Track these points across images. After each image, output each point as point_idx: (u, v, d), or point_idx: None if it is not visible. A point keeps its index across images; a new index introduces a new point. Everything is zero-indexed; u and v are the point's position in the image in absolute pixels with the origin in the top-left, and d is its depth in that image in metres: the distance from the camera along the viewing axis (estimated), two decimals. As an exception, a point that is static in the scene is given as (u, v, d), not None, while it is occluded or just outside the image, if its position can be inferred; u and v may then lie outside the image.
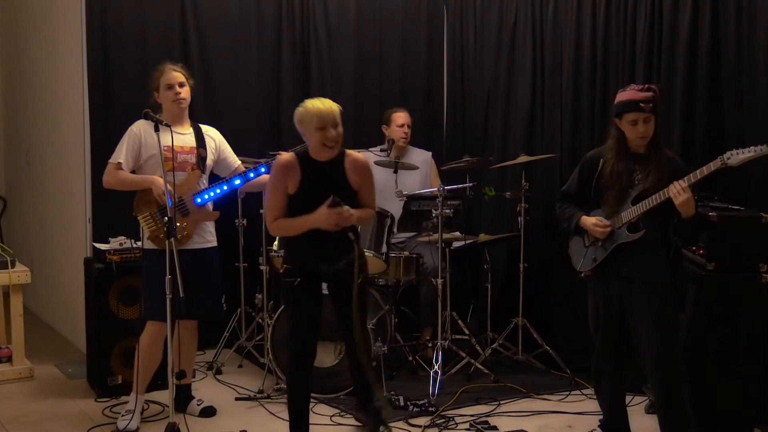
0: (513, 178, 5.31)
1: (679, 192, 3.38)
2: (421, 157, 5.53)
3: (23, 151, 6.72)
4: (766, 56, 4.07)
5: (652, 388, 3.72)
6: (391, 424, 4.09)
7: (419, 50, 6.19)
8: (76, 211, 5.32)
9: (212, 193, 4.16)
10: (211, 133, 4.34)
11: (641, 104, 3.50)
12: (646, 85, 3.56)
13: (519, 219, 5.02)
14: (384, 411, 3.96)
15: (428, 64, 6.23)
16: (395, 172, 4.99)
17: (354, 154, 3.79)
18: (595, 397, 4.04)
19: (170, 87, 4.16)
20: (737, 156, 3.31)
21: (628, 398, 4.01)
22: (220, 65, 5.57)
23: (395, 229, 5.01)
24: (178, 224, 3.96)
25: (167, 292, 3.62)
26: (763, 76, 4.08)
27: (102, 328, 4.62)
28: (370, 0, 6.01)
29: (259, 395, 4.58)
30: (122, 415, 4.15)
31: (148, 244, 4.12)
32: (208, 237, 4.25)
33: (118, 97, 5.16)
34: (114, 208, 4.84)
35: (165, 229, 3.65)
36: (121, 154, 4.10)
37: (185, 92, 4.19)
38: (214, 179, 4.27)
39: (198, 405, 4.39)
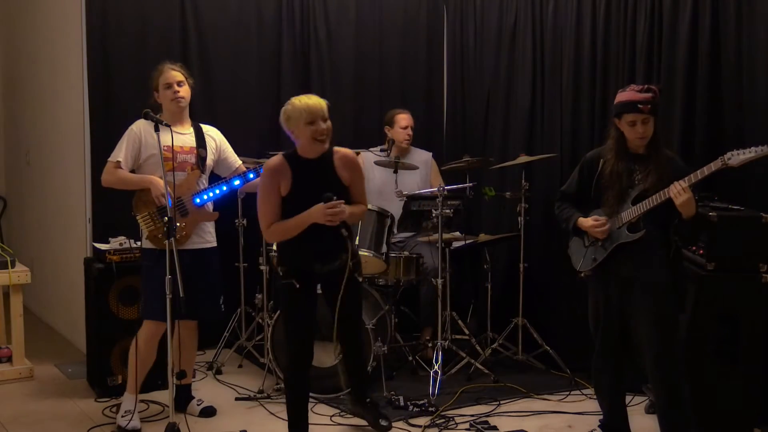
0: (513, 178, 5.31)
1: (679, 192, 3.38)
2: (421, 157, 5.53)
3: (23, 151, 6.71)
4: (766, 56, 4.07)
5: (652, 388, 3.72)
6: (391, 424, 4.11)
7: (419, 50, 6.19)
8: (76, 211, 5.32)
9: (211, 194, 4.16)
10: (212, 133, 4.33)
11: (640, 105, 3.50)
12: (646, 86, 3.56)
13: (519, 219, 5.02)
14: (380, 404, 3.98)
15: (428, 64, 6.22)
16: (395, 172, 4.99)
17: (342, 150, 3.79)
18: (595, 397, 4.04)
19: (169, 86, 4.16)
20: (738, 156, 3.31)
21: (628, 398, 4.01)
22: (220, 65, 5.57)
23: (395, 229, 5.01)
24: (177, 224, 3.96)
25: (167, 292, 3.61)
26: (763, 76, 4.08)
27: (102, 328, 4.62)
28: (370, 0, 6.01)
29: (259, 395, 4.58)
30: (121, 416, 4.15)
31: (147, 244, 4.12)
32: (207, 237, 4.25)
33: (118, 97, 5.16)
34: (114, 208, 4.84)
35: (164, 229, 3.65)
36: (121, 152, 4.10)
37: (184, 91, 4.18)
38: (215, 179, 4.27)
39: (198, 405, 4.39)
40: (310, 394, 4.01)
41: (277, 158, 3.72)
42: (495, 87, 5.75)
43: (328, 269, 3.71)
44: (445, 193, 4.75)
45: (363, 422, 4.15)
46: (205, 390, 4.68)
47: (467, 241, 5.16)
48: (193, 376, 4.63)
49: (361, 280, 3.90)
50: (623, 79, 4.73)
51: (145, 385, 4.32)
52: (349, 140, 5.71)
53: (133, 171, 4.15)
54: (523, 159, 5.03)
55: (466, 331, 5.19)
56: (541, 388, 4.73)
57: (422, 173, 5.45)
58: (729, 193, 4.13)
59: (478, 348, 5.07)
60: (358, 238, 4.70)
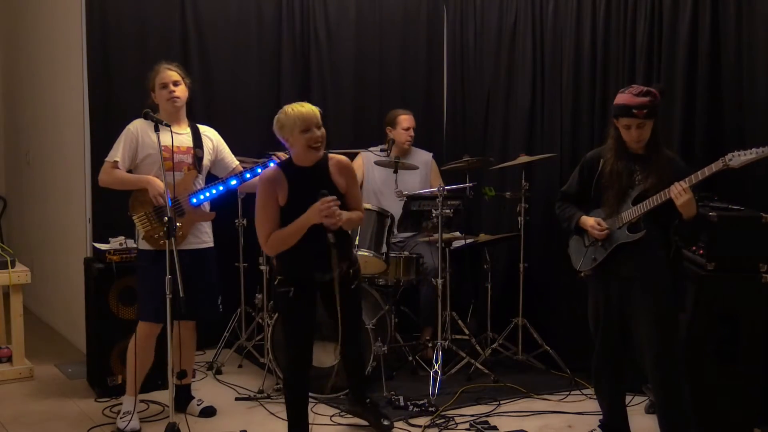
0: (513, 178, 5.31)
1: (680, 193, 3.38)
2: (422, 157, 5.53)
3: (23, 151, 6.71)
4: (766, 56, 4.07)
5: (652, 388, 3.72)
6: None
7: (419, 50, 6.19)
8: (76, 211, 5.32)
9: (208, 194, 4.15)
10: (208, 133, 4.33)
11: (634, 110, 3.49)
12: (645, 89, 3.53)
13: (519, 219, 5.02)
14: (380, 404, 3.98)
15: (428, 64, 6.22)
16: (395, 172, 4.99)
17: (336, 156, 3.80)
18: (595, 397, 4.04)
19: (164, 86, 4.15)
20: (739, 158, 3.31)
21: (628, 398, 4.01)
22: (220, 65, 5.57)
23: (395, 229, 5.01)
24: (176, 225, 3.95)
25: (168, 292, 3.61)
26: (763, 76, 4.08)
27: (102, 328, 4.62)
28: (370, 0, 6.01)
29: (259, 395, 4.58)
30: (120, 417, 4.15)
31: (143, 245, 4.11)
32: (204, 237, 4.24)
33: (118, 97, 5.16)
34: (114, 208, 4.83)
35: (164, 228, 3.64)
36: (118, 152, 4.10)
37: (180, 91, 4.18)
38: (212, 180, 4.27)
39: (198, 405, 4.39)
40: (310, 394, 4.01)
41: (272, 169, 3.71)
42: (495, 87, 5.74)
43: (327, 278, 3.70)
44: (445, 193, 4.75)
45: (363, 422, 4.16)
46: (205, 390, 4.68)
47: (467, 241, 5.15)
48: (193, 376, 4.63)
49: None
50: (623, 79, 4.73)
51: (145, 385, 4.32)
52: (349, 140, 5.73)
53: (130, 171, 4.14)
54: (523, 159, 5.03)
55: (466, 331, 5.19)
56: (541, 388, 4.73)
57: (422, 173, 5.45)
58: (729, 193, 4.13)
59: (478, 348, 5.07)
60: (358, 238, 4.70)
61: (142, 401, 4.32)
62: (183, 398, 4.33)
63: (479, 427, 4.15)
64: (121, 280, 4.58)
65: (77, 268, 5.01)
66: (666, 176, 3.50)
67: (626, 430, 3.88)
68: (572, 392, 4.67)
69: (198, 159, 4.19)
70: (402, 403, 4.40)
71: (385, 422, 4.08)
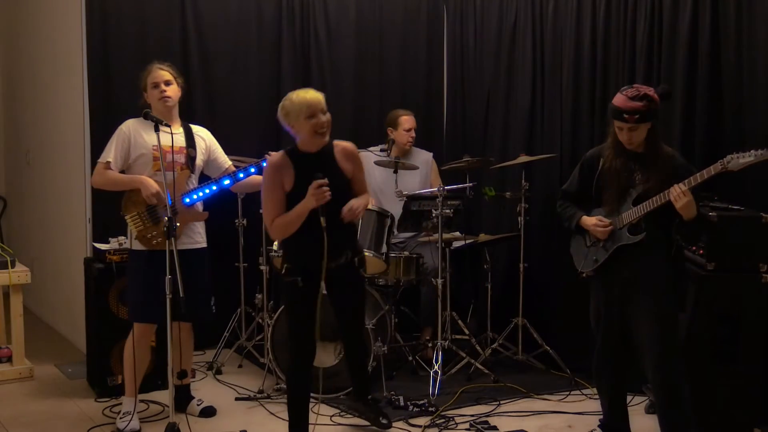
0: (513, 178, 5.31)
1: (679, 195, 3.38)
2: (422, 157, 5.53)
3: (23, 151, 6.72)
4: (766, 56, 4.07)
5: (653, 388, 3.72)
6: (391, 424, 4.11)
7: (419, 50, 6.19)
8: (76, 211, 5.32)
9: (201, 193, 4.14)
10: (201, 133, 4.32)
11: (625, 115, 3.49)
12: (642, 93, 3.50)
13: (519, 219, 5.02)
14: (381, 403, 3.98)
15: (428, 64, 6.22)
16: (395, 172, 4.99)
17: (342, 142, 3.80)
18: (595, 397, 4.04)
19: (156, 86, 4.15)
20: (737, 160, 3.31)
21: (628, 398, 4.00)
22: (220, 65, 5.56)
23: (395, 229, 5.01)
24: (176, 225, 3.94)
25: (167, 292, 3.61)
26: (763, 76, 4.08)
27: (102, 328, 4.62)
28: (370, 0, 6.01)
29: (259, 395, 4.58)
30: (120, 417, 4.15)
31: (136, 245, 4.10)
32: (196, 238, 4.23)
33: (118, 97, 5.16)
34: (113, 208, 4.80)
35: (156, 228, 3.64)
36: (110, 153, 4.09)
37: (171, 90, 4.16)
38: (205, 180, 4.26)
39: (198, 405, 4.39)
40: (310, 394, 4.01)
41: (278, 155, 3.72)
42: (495, 87, 5.74)
43: (333, 265, 3.70)
44: (445, 193, 4.75)
45: (363, 422, 4.16)
46: (205, 390, 4.68)
47: (467, 241, 5.15)
48: (193, 376, 4.63)
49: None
50: (623, 79, 4.73)
51: (145, 386, 4.33)
52: (348, 140, 5.71)
53: (122, 171, 4.14)
54: (523, 159, 5.03)
55: (466, 331, 5.19)
56: (541, 388, 4.73)
57: (422, 173, 5.45)
58: (729, 193, 4.12)
59: (478, 348, 5.07)
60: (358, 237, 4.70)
61: (142, 401, 4.32)
62: (183, 398, 4.33)
63: (479, 427, 4.15)
64: (121, 280, 4.57)
65: (77, 268, 5.01)
66: (666, 176, 3.50)
67: (626, 430, 3.88)
68: (572, 392, 4.67)
69: (191, 159, 4.18)
70: (402, 403, 4.40)
71: (384, 420, 4.08)
